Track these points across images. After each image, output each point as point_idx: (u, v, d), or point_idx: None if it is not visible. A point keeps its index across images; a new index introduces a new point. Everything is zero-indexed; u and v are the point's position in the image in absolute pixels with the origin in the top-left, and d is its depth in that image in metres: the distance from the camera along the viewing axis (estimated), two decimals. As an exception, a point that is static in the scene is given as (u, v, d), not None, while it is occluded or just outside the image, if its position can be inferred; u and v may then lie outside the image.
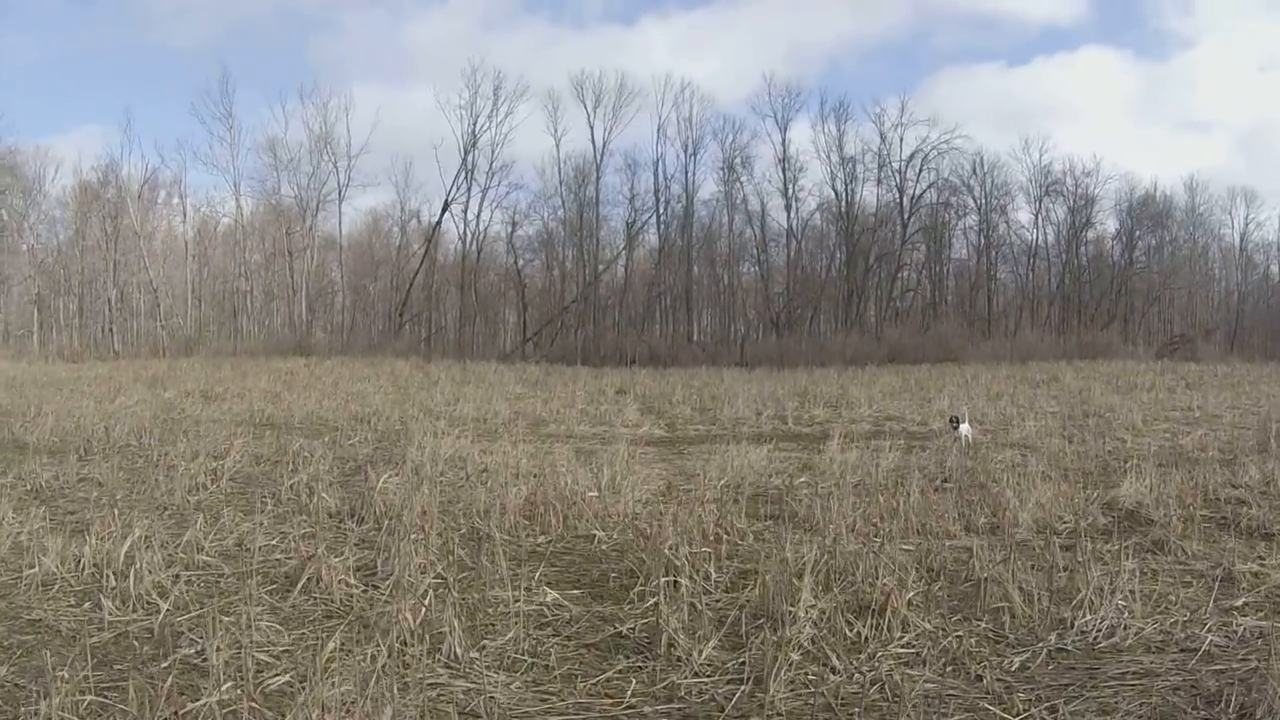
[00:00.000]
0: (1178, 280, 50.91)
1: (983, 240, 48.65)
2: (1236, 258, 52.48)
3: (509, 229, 47.80)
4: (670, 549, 5.15)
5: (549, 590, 4.99)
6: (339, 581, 5.04)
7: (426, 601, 4.49)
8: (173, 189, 47.03)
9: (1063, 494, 7.67)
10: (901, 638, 4.43)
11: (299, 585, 5.10)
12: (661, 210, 47.04)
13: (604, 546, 6.38)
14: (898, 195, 47.53)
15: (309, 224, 46.60)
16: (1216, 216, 51.66)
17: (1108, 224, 49.75)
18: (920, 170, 47.16)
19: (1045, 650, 4.42)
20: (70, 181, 45.65)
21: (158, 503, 7.82)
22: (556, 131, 46.42)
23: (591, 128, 45.94)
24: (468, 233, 46.32)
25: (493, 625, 4.54)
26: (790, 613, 4.41)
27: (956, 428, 11.21)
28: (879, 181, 47.49)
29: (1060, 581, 5.31)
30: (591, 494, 7.15)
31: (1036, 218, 48.75)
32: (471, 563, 5.51)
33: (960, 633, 4.53)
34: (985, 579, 4.92)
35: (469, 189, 45.41)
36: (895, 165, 47.27)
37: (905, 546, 6.22)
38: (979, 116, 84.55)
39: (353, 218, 55.40)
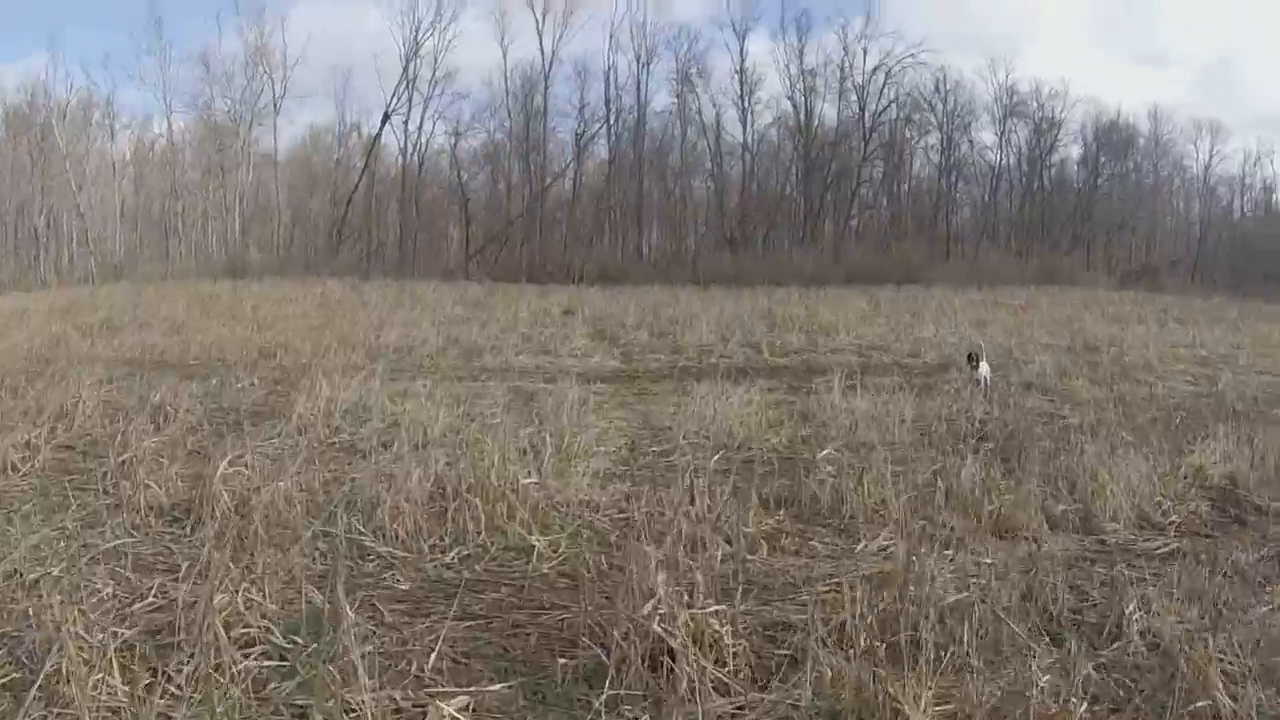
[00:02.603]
0: (1140, 209, 49.52)
1: (944, 160, 46.54)
2: (1200, 189, 51.17)
3: (452, 141, 44.49)
4: (660, 616, 3.05)
5: (450, 702, 2.91)
6: (95, 682, 2.92)
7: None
8: (105, 111, 43.27)
9: (1151, 468, 5.85)
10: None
11: (38, 684, 2.96)
12: (612, 121, 44.04)
13: (546, 569, 4.33)
14: (858, 110, 45.05)
15: (243, 139, 42.96)
16: (1180, 147, 49.78)
17: (1071, 149, 47.80)
18: (883, 86, 44.54)
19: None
20: (-4, 110, 41.54)
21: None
22: (504, 40, 42.93)
23: (540, 36, 42.39)
24: (408, 145, 43.15)
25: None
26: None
27: (976, 368, 9.37)
28: (840, 95, 44.90)
29: (1235, 631, 3.45)
30: (528, 480, 5.05)
31: (1000, 139, 46.52)
32: (331, 625, 3.39)
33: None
34: (1180, 665, 2.97)
35: (410, 100, 42.02)
36: (857, 79, 44.61)
37: (985, 559, 4.34)
38: (940, 42, 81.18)
39: (291, 133, 51.70)
